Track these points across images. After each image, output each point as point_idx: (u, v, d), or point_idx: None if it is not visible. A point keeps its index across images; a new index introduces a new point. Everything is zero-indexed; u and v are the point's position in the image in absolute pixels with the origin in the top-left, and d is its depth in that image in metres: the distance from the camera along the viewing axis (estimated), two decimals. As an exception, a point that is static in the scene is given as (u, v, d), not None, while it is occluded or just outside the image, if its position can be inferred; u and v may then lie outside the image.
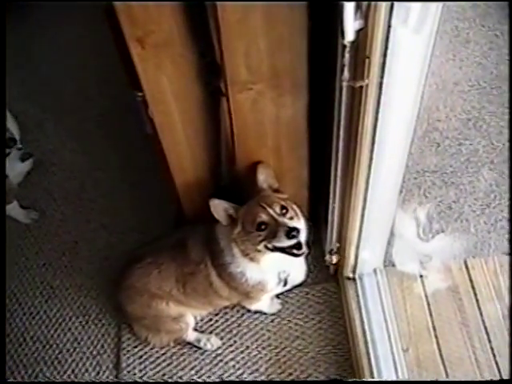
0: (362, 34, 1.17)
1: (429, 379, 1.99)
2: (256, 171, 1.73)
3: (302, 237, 1.67)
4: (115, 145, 2.77)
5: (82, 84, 2.99)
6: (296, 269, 1.97)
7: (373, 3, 1.07)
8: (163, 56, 1.42)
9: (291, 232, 1.61)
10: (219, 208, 1.73)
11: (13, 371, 2.24)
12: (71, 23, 3.20)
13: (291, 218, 1.68)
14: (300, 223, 1.69)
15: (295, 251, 1.67)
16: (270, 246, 1.67)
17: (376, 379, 1.96)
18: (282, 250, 1.67)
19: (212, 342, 2.18)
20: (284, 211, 1.67)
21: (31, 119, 2.76)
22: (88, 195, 2.65)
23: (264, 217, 1.65)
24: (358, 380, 2.06)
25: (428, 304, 2.13)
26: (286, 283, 1.94)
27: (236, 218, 1.73)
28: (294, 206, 1.75)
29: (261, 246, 1.69)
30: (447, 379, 1.98)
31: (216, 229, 1.84)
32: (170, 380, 2.16)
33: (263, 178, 1.74)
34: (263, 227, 1.66)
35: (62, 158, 2.76)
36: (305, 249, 1.68)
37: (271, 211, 1.65)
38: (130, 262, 2.06)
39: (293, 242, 1.63)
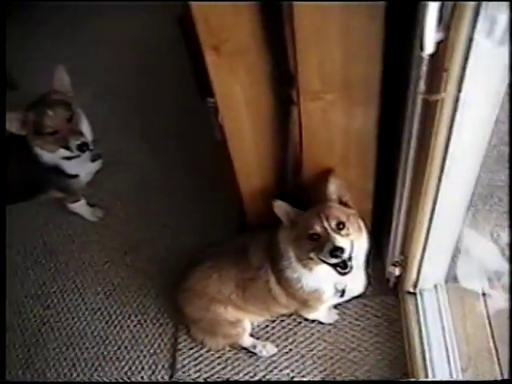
0: (442, 46, 1.15)
1: (487, 402, 1.93)
2: (327, 180, 1.72)
3: (347, 255, 1.64)
4: (181, 148, 2.82)
5: (151, 87, 3.07)
6: (354, 281, 1.94)
7: (456, 15, 1.05)
8: (237, 64, 1.44)
9: (335, 251, 1.60)
10: (281, 209, 1.75)
11: (74, 363, 2.31)
12: (144, 26, 3.29)
13: (347, 235, 1.66)
14: (351, 242, 1.66)
15: (339, 269, 1.67)
16: (317, 257, 1.68)
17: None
18: (328, 264, 1.67)
19: (267, 349, 2.18)
20: (340, 227, 1.65)
21: (100, 120, 2.83)
22: (152, 196, 2.71)
23: (318, 228, 1.65)
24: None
25: (490, 324, 2.06)
26: (343, 294, 1.92)
27: (296, 221, 1.73)
28: (359, 222, 1.74)
29: (311, 255, 1.69)
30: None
31: (278, 233, 1.85)
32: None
33: (334, 188, 1.73)
34: (315, 237, 1.66)
35: (129, 159, 2.84)
36: (349, 269, 1.67)
37: (326, 224, 1.64)
38: (191, 265, 2.09)
39: (335, 260, 1.63)
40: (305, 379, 2.13)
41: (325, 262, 1.67)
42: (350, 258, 1.66)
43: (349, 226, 1.67)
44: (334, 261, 1.63)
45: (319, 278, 1.80)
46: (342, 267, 1.66)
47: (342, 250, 1.60)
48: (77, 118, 2.17)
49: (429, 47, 1.14)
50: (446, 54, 1.15)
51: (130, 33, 3.31)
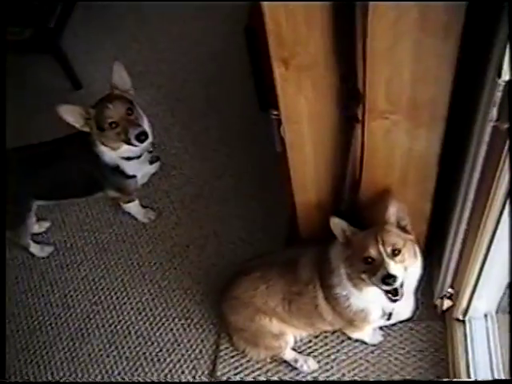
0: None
1: None
2: (388, 202, 1.69)
3: (399, 283, 1.63)
4: (235, 156, 2.84)
5: (212, 94, 3.10)
6: (403, 305, 1.91)
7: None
8: (305, 77, 1.44)
9: (387, 278, 1.59)
10: (338, 226, 1.74)
11: (116, 361, 2.34)
12: (209, 35, 3.34)
13: (402, 262, 1.64)
14: (405, 268, 1.65)
15: (390, 295, 1.67)
16: (369, 280, 1.66)
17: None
18: (380, 288, 1.66)
19: (309, 364, 2.17)
20: (396, 253, 1.63)
21: (160, 123, 2.89)
22: (204, 201, 2.73)
23: (373, 252, 1.63)
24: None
25: (538, 357, 2.00)
26: (389, 317, 1.90)
27: (351, 240, 1.72)
28: (415, 248, 1.72)
29: (363, 276, 1.68)
30: None
31: (330, 249, 1.84)
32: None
33: (394, 211, 1.70)
34: (369, 260, 1.64)
35: (184, 163, 2.87)
36: (399, 297, 1.67)
37: (382, 249, 1.62)
38: (239, 274, 2.10)
39: (387, 287, 1.63)
40: (344, 398, 2.11)
41: (376, 286, 1.66)
42: (401, 285, 1.65)
43: (404, 252, 1.65)
44: (385, 287, 1.63)
45: (367, 299, 1.79)
46: (393, 294, 1.66)
47: (394, 278, 1.59)
48: (136, 112, 2.22)
49: (506, 74, 1.11)
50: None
51: (195, 38, 3.36)
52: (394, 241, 1.64)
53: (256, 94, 2.37)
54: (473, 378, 1.95)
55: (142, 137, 2.15)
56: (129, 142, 2.16)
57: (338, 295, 1.82)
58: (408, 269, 1.66)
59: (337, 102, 1.50)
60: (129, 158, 2.28)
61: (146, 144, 2.20)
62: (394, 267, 1.61)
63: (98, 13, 3.63)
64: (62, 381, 2.32)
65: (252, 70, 2.30)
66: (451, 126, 1.55)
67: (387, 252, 1.62)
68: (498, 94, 1.18)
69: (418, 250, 1.74)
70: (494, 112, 1.23)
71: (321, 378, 2.16)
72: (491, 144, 1.35)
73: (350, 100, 1.48)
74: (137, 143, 2.16)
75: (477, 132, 1.39)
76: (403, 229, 1.71)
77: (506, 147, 1.28)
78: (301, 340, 2.23)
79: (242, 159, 2.80)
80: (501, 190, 1.42)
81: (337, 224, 1.73)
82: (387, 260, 1.61)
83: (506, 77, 1.11)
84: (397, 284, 1.61)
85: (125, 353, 2.36)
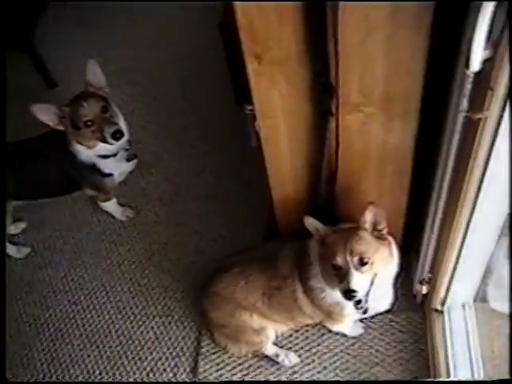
0: (489, 64, 1.14)
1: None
2: (366, 208, 1.65)
3: (362, 296, 1.65)
4: (214, 153, 2.84)
5: (189, 91, 3.10)
6: (380, 299, 1.92)
7: (506, 33, 1.04)
8: (278, 72, 1.44)
9: (348, 292, 1.61)
10: (312, 226, 1.74)
11: (97, 361, 2.32)
12: (185, 33, 3.33)
13: (369, 270, 1.64)
14: (372, 278, 1.66)
15: (355, 304, 1.70)
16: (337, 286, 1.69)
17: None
18: None
19: (290, 359, 2.17)
20: (364, 262, 1.63)
21: (137, 121, 2.88)
22: (182, 199, 2.73)
23: (340, 261, 1.64)
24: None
25: (517, 344, 2.03)
26: (366, 311, 1.91)
27: (324, 240, 1.72)
28: (391, 249, 1.73)
29: (333, 279, 1.71)
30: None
31: (309, 242, 1.85)
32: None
33: (370, 217, 1.66)
34: (337, 267, 1.66)
35: (162, 161, 2.87)
36: (362, 308, 1.70)
37: (349, 258, 1.63)
38: (219, 270, 2.10)
39: (348, 301, 1.67)
40: (326, 391, 2.12)
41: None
42: (367, 294, 1.67)
43: (374, 260, 1.65)
44: (346, 301, 1.66)
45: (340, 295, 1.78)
46: (356, 304, 1.69)
47: (354, 291, 1.61)
48: (112, 110, 2.21)
49: (475, 65, 1.13)
50: (491, 72, 1.14)
51: (171, 37, 3.35)
52: (363, 250, 1.63)
53: (233, 90, 2.37)
54: (451, 367, 1.97)
55: (117, 135, 2.13)
56: (104, 141, 2.15)
57: (314, 287, 1.84)
58: (379, 274, 1.68)
59: (311, 96, 1.51)
60: (105, 157, 2.27)
61: (122, 142, 2.19)
62: (358, 279, 1.62)
63: (73, 11, 3.60)
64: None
65: (228, 66, 2.29)
66: (425, 118, 1.56)
67: (354, 262, 1.62)
68: (468, 86, 1.19)
69: (394, 249, 1.75)
70: (465, 103, 1.24)
71: (303, 372, 2.16)
72: (464, 134, 1.36)
73: (323, 94, 1.48)
74: (112, 141, 2.14)
75: (449, 123, 1.40)
76: (379, 232, 1.70)
77: (478, 137, 1.30)
78: (282, 334, 2.23)
79: (221, 156, 2.80)
80: (474, 178, 1.43)
81: (311, 224, 1.72)
82: (352, 271, 1.62)
83: (474, 68, 1.12)
84: (358, 297, 1.64)
85: (106, 352, 2.34)
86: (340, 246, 1.64)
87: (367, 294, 1.68)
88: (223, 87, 2.00)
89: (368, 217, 1.66)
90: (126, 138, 2.21)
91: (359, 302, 1.67)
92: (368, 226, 1.68)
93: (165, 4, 3.41)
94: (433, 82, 1.46)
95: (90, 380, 2.28)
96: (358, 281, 1.62)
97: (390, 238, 1.75)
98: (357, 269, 1.62)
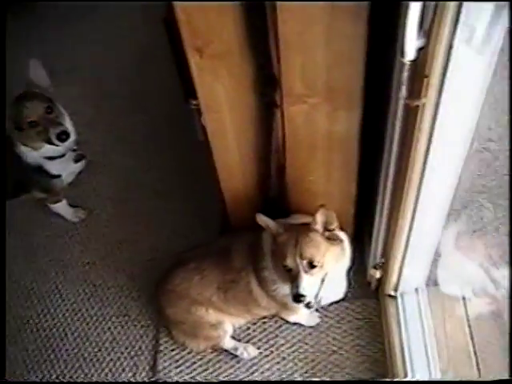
0: (423, 52, 1.16)
1: (467, 404, 1.95)
2: (317, 211, 1.66)
3: (311, 298, 1.70)
4: (164, 149, 2.81)
5: (136, 88, 3.06)
6: (332, 290, 1.94)
7: (436, 22, 1.07)
8: (220, 66, 1.44)
9: (298, 297, 1.64)
10: (264, 223, 1.73)
11: (53, 365, 2.29)
12: (131, 30, 3.28)
13: (319, 271, 1.66)
14: (323, 278, 1.69)
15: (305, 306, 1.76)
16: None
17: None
18: None
19: (249, 351, 2.18)
20: (313, 264, 1.65)
21: (84, 120, 2.82)
22: (135, 197, 2.70)
23: (290, 262, 1.66)
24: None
25: (470, 327, 2.08)
26: (320, 302, 1.93)
27: (276, 237, 1.72)
28: (343, 247, 1.75)
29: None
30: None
31: (262, 234, 1.85)
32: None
33: (320, 219, 1.67)
34: (287, 269, 1.68)
35: (112, 160, 2.83)
36: (311, 308, 1.80)
37: (298, 261, 1.64)
38: (174, 266, 2.09)
39: (297, 304, 1.71)
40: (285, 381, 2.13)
41: None
42: (316, 295, 1.71)
43: (324, 261, 1.66)
44: (297, 303, 1.69)
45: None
46: (306, 305, 1.74)
47: (303, 296, 1.64)
48: (57, 111, 2.15)
49: (410, 53, 1.15)
50: (426, 60, 1.16)
51: (117, 33, 3.29)
52: (313, 253, 1.65)
53: (180, 86, 2.35)
54: (406, 351, 2.01)
55: (63, 136, 2.09)
56: (50, 142, 2.10)
57: (267, 278, 1.85)
58: (331, 271, 1.71)
59: (255, 88, 1.52)
60: (52, 158, 2.21)
61: (68, 143, 2.15)
62: (307, 282, 1.64)
63: (18, 8, 3.50)
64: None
65: (175, 61, 2.27)
66: (369, 107, 1.58)
67: (303, 265, 1.64)
68: (405, 74, 1.21)
69: (347, 244, 1.78)
70: (404, 90, 1.27)
71: (262, 364, 2.18)
72: (405, 121, 1.39)
73: (267, 86, 1.49)
74: (58, 143, 2.10)
75: (391, 111, 1.42)
76: (331, 231, 1.71)
77: (418, 123, 1.32)
78: (239, 328, 2.24)
79: (171, 152, 2.78)
80: (418, 163, 1.46)
81: (262, 221, 1.72)
82: (302, 274, 1.64)
83: (409, 56, 1.14)
84: (307, 300, 1.67)
85: (62, 355, 2.31)
86: (290, 248, 1.65)
87: (317, 295, 1.72)
88: (171, 83, 1.98)
89: (319, 219, 1.67)
90: (72, 138, 2.16)
91: (309, 303, 1.72)
92: (319, 227, 1.69)
93: (110, 2, 3.36)
94: (375, 71, 1.48)
95: (46, 385, 2.25)
96: (308, 284, 1.65)
97: (343, 235, 1.77)
98: (306, 272, 1.65)
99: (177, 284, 2.04)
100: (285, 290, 1.82)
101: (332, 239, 1.71)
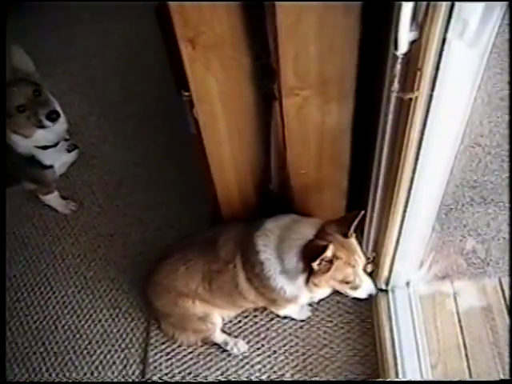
0: (416, 45, 1.16)
1: (456, 398, 1.96)
2: (354, 217, 1.68)
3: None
4: (156, 142, 2.81)
5: (128, 80, 3.05)
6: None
7: (429, 16, 1.06)
8: (213, 57, 1.43)
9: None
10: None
11: (44, 357, 2.28)
12: (122, 21, 3.26)
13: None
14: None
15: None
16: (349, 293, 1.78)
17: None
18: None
19: (239, 347, 2.18)
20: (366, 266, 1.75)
21: (76, 112, 2.81)
22: (126, 190, 2.69)
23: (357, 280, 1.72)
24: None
25: (459, 321, 2.09)
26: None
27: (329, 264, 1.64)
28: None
29: (345, 291, 1.78)
30: (474, 400, 1.95)
31: (255, 237, 1.80)
32: (195, 379, 2.16)
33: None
34: (351, 281, 1.72)
35: (103, 152, 2.82)
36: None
37: (360, 268, 1.71)
38: (161, 259, 2.07)
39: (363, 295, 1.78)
40: (276, 375, 2.13)
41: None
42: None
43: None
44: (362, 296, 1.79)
45: (300, 288, 1.78)
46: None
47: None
48: (45, 94, 2.12)
49: (402, 46, 1.15)
50: (419, 53, 1.16)
51: (107, 23, 3.28)
52: (364, 258, 1.75)
53: (173, 77, 2.33)
54: (397, 344, 2.02)
55: (53, 115, 2.06)
56: (40, 124, 2.08)
57: (271, 286, 1.80)
58: None
59: (250, 80, 1.50)
60: (44, 147, 2.20)
61: (59, 127, 2.12)
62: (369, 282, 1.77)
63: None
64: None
65: (167, 52, 2.26)
66: (362, 100, 1.58)
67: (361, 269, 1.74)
68: (398, 66, 1.21)
69: None
70: (396, 83, 1.26)
71: (253, 357, 2.18)
72: (397, 114, 1.39)
73: (264, 78, 1.48)
74: (48, 123, 2.06)
75: (384, 104, 1.42)
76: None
77: (410, 116, 1.32)
78: (230, 321, 2.24)
79: (163, 144, 2.77)
80: (410, 157, 1.46)
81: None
82: (367, 280, 1.77)
83: (402, 49, 1.14)
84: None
85: (52, 348, 2.30)
86: (348, 268, 1.68)
87: None
88: (163, 75, 1.97)
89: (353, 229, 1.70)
90: (64, 126, 2.14)
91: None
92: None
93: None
94: (367, 64, 1.48)
95: (37, 377, 2.23)
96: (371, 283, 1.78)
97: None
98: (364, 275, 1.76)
99: (163, 277, 2.02)
100: (291, 292, 1.80)
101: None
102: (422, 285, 2.15)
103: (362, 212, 1.67)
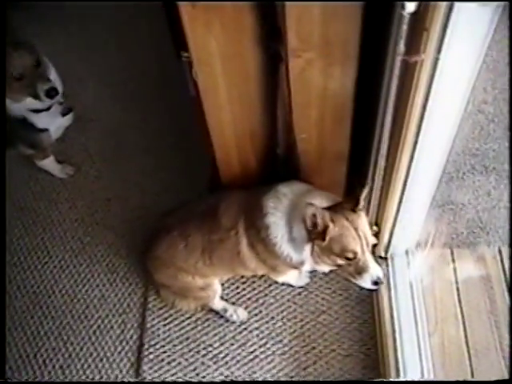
0: (424, 4, 1.12)
1: (452, 366, 1.96)
2: (361, 192, 1.62)
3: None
4: (155, 105, 2.76)
5: (127, 42, 2.99)
6: None
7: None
8: (213, 17, 1.38)
9: (376, 284, 1.64)
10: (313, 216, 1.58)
11: (41, 321, 2.28)
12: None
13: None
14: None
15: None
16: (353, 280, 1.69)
17: (399, 360, 1.94)
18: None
19: (238, 314, 2.18)
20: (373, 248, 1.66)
21: (74, 73, 2.74)
22: (124, 154, 2.66)
23: (358, 255, 1.62)
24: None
25: (458, 290, 2.10)
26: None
27: (323, 227, 1.59)
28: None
29: (346, 275, 1.70)
30: (470, 367, 1.95)
31: (264, 200, 1.74)
32: (192, 344, 2.17)
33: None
34: (352, 257, 1.62)
35: (101, 115, 2.77)
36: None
37: (365, 246, 1.61)
38: (159, 232, 2.02)
39: (374, 287, 1.67)
40: (274, 341, 2.14)
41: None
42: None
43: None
44: (372, 287, 1.68)
45: (306, 257, 1.74)
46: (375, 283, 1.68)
47: (380, 280, 1.65)
48: (44, 63, 2.07)
49: (410, 5, 1.10)
50: (427, 12, 1.12)
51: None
52: (372, 237, 1.65)
53: (172, 38, 2.28)
54: (395, 312, 2.02)
55: (52, 92, 2.02)
56: (37, 97, 2.03)
57: (277, 252, 1.74)
58: None
59: (252, 41, 1.45)
60: (37, 111, 2.15)
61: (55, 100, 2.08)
62: (376, 264, 1.65)
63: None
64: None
65: (165, 12, 2.20)
66: (365, 63, 1.53)
67: (368, 249, 1.63)
68: (404, 27, 1.17)
69: None
70: (402, 45, 1.23)
71: (251, 323, 2.19)
72: (402, 78, 1.35)
73: (270, 39, 1.43)
74: (47, 100, 2.03)
75: (388, 67, 1.38)
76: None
77: (415, 80, 1.29)
78: (228, 287, 2.24)
79: (162, 108, 2.73)
80: (413, 122, 1.44)
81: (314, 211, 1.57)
82: (373, 264, 1.64)
83: (409, 9, 1.10)
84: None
85: (50, 312, 2.30)
86: (352, 240, 1.60)
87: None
88: (162, 38, 1.92)
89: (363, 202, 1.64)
90: (59, 94, 2.09)
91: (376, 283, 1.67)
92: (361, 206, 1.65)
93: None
94: (371, 26, 1.44)
95: (35, 341, 2.24)
96: (378, 267, 1.65)
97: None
98: (371, 256, 1.65)
99: (162, 252, 1.99)
100: (297, 259, 1.74)
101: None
102: (421, 253, 2.14)
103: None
